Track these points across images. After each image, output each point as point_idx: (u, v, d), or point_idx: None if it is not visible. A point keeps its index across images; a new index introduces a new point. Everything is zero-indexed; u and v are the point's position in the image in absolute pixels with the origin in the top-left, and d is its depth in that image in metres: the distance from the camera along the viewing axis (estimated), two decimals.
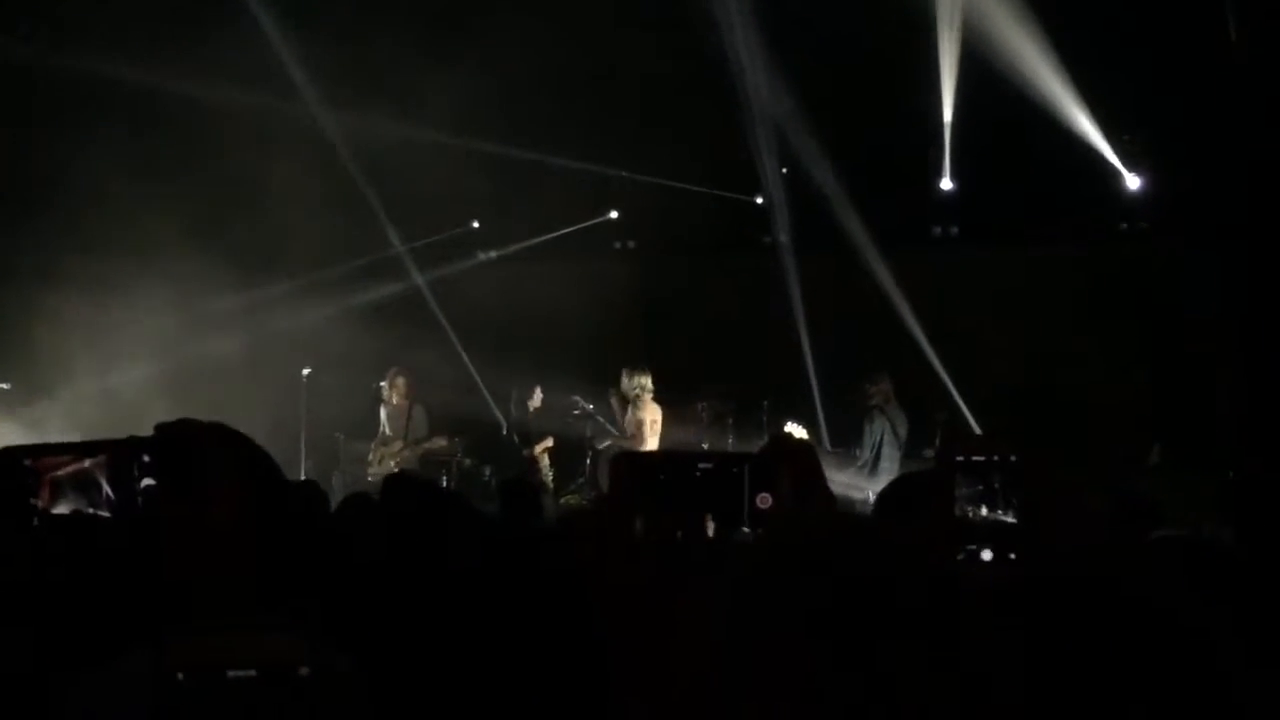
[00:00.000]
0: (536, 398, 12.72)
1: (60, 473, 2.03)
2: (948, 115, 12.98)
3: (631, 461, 2.60)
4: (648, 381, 12.08)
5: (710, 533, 2.66)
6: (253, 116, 12.58)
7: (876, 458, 11.51)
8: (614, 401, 12.43)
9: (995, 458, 2.51)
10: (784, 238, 14.09)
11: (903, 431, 11.60)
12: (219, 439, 1.99)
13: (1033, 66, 11.85)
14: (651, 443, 11.94)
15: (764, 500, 2.74)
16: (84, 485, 2.02)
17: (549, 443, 12.71)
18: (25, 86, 11.99)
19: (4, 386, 13.00)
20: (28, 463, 2.07)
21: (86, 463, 2.03)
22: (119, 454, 2.01)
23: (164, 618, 1.82)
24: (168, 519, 1.88)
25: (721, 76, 12.75)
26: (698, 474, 2.73)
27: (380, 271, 14.72)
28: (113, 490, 2.00)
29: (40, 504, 2.04)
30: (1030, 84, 11.94)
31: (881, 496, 2.90)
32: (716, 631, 1.42)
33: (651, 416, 12.05)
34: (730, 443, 12.56)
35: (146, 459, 1.98)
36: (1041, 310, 13.24)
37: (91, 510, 2.00)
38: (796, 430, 11.60)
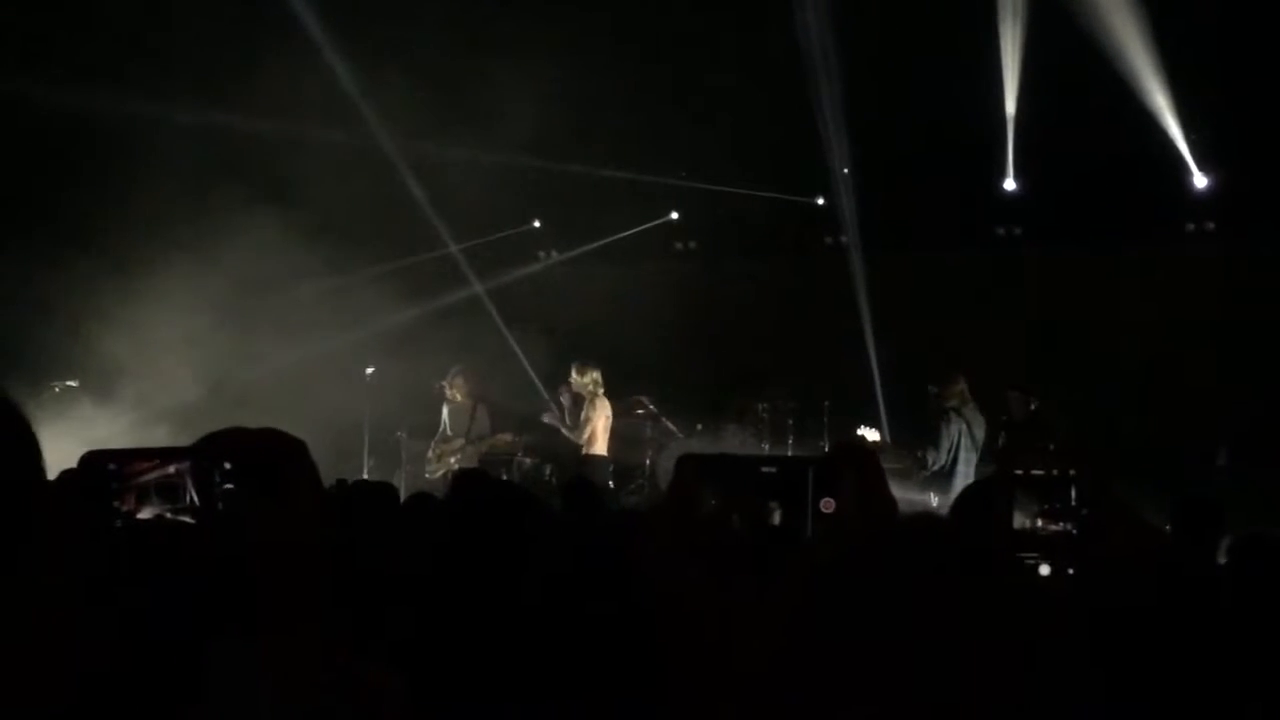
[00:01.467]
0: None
1: (145, 478, 2.09)
2: (1010, 111, 12.87)
3: (696, 462, 2.63)
4: (599, 376, 12.04)
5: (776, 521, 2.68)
6: (315, 129, 12.76)
7: (954, 461, 11.23)
8: (562, 398, 12.44)
9: (1055, 472, 2.52)
10: (846, 238, 14.05)
11: (980, 434, 11.28)
12: (293, 446, 2.05)
13: (1097, 60, 11.70)
14: (603, 439, 11.94)
15: (827, 505, 2.75)
16: (168, 490, 2.08)
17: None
18: (90, 109, 12.22)
19: (71, 384, 13.20)
20: (112, 467, 2.13)
21: (171, 468, 2.08)
22: (202, 459, 2.06)
23: (245, 619, 1.88)
24: (250, 522, 1.94)
25: (782, 76, 12.73)
26: (761, 476, 2.75)
27: (443, 272, 14.80)
28: (197, 495, 2.05)
29: (125, 508, 2.10)
30: (1094, 79, 11.80)
31: (961, 501, 2.88)
32: (777, 633, 1.43)
33: (604, 413, 12.02)
34: (790, 443, 12.55)
35: (228, 465, 2.03)
36: (1105, 311, 13.11)
37: (173, 515, 2.06)
38: (869, 434, 11.49)
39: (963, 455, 11.15)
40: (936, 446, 11.21)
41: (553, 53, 12.10)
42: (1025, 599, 1.42)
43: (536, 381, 14.31)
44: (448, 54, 12.38)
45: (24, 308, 12.54)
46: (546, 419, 12.43)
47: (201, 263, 12.72)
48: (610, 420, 12.04)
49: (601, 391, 12.03)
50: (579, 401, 12.15)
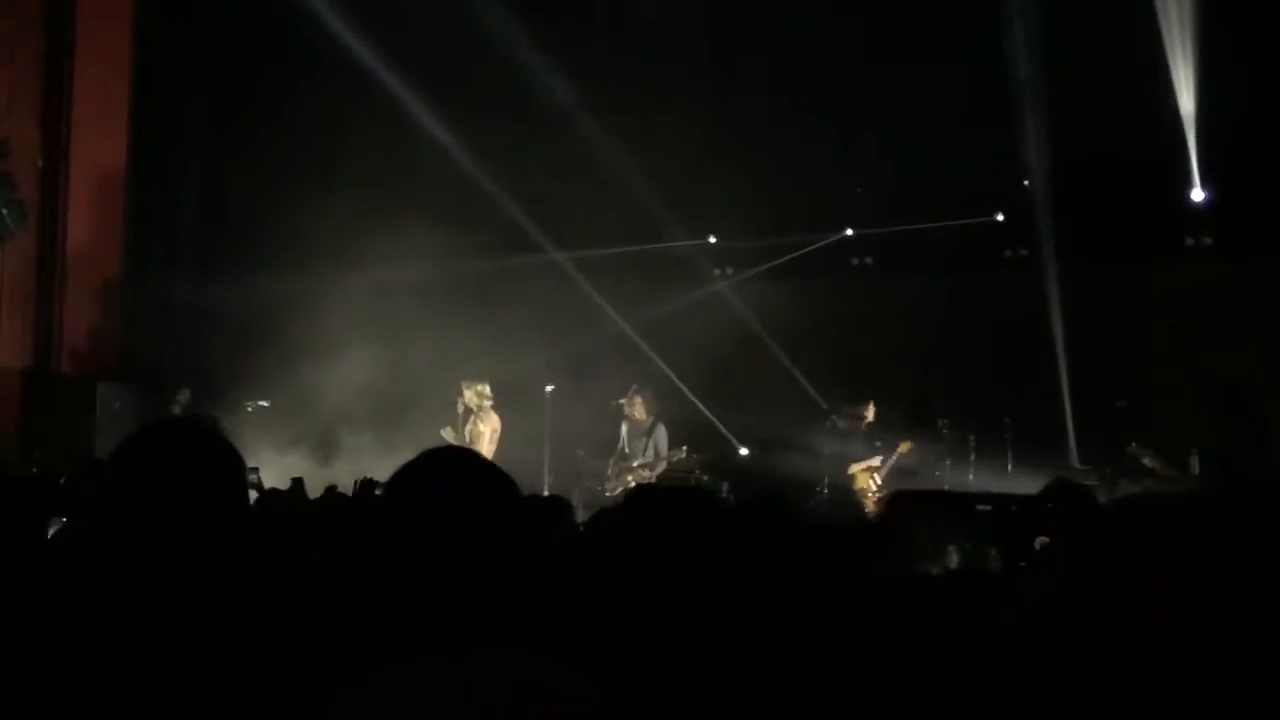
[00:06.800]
0: (870, 412, 12.36)
1: None
2: (1189, 114, 12.44)
3: (909, 499, 2.63)
4: (487, 390, 12.40)
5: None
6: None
7: None
8: (459, 409, 12.50)
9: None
10: (1026, 252, 13.75)
11: None
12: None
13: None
14: (489, 452, 11.90)
15: (1043, 542, 2.74)
16: None
17: (874, 463, 12.14)
18: None
19: (263, 404, 13.70)
20: None
21: None
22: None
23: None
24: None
25: (958, 92, 12.60)
26: (977, 514, 2.75)
27: (621, 290, 14.90)
28: None
29: None
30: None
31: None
32: (1015, 658, 1.40)
33: (492, 426, 12.32)
34: (972, 460, 12.30)
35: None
36: None
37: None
38: (1145, 457, 10.43)
39: None
40: None
41: (729, 72, 12.18)
42: None
43: (699, 404, 14.28)
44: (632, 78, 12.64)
45: (224, 334, 13.14)
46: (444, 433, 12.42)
47: (387, 287, 13.16)
48: (498, 433, 12.35)
49: (489, 405, 12.39)
50: (468, 415, 12.43)
